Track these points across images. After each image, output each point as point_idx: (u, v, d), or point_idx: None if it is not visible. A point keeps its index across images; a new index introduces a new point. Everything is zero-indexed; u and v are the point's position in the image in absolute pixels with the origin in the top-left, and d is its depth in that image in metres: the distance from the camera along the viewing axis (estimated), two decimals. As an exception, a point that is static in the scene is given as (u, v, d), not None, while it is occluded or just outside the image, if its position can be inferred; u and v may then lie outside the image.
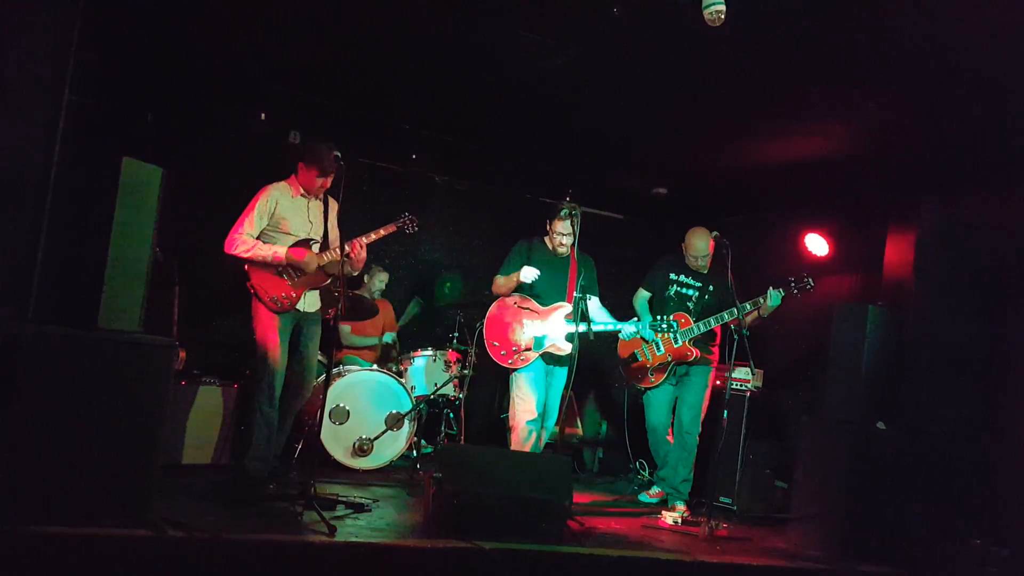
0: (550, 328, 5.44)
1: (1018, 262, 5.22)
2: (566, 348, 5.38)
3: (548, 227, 5.58)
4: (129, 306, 3.72)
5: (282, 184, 5.03)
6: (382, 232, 5.14)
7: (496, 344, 5.50)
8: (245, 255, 4.83)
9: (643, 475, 6.93)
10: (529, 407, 5.39)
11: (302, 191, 5.02)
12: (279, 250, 4.87)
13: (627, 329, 5.53)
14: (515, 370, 5.47)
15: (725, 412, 5.27)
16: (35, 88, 3.73)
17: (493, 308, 5.60)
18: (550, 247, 5.62)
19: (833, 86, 4.83)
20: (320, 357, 5.99)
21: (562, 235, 5.47)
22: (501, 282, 5.57)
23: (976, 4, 3.70)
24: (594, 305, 5.55)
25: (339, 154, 4.80)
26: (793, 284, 5.66)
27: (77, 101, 4.00)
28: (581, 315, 5.16)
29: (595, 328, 5.29)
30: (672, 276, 6.05)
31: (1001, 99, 4.59)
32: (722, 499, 6.08)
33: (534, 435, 5.39)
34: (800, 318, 6.96)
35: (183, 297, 5.18)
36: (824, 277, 6.93)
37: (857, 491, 4.89)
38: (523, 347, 5.45)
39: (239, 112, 6.48)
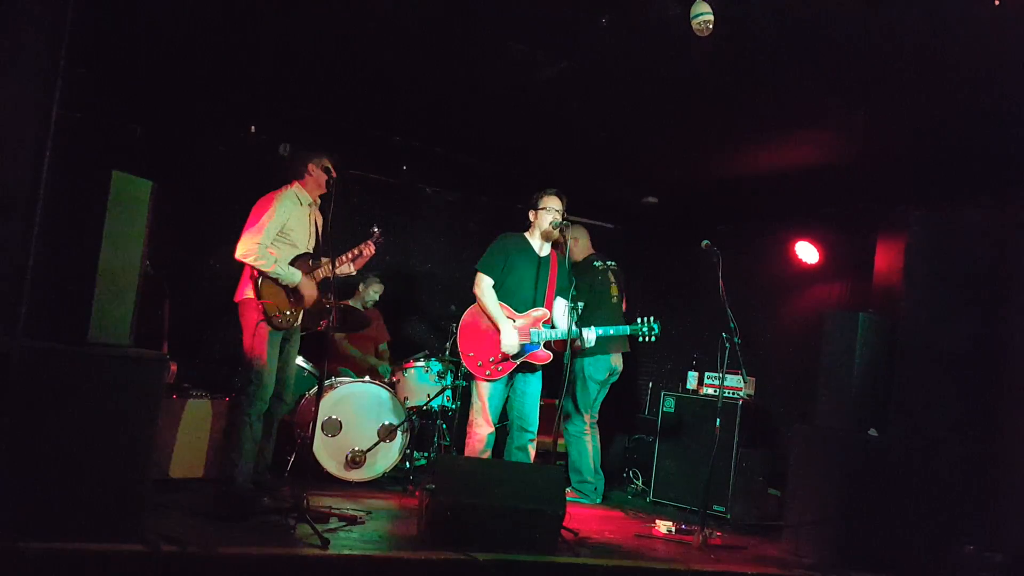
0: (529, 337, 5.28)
1: (1007, 267, 5.24)
2: (545, 358, 5.31)
3: (534, 215, 5.45)
4: (119, 320, 3.71)
5: (289, 191, 4.93)
6: (367, 252, 5.15)
7: (472, 355, 5.27)
8: (264, 269, 4.73)
9: (637, 484, 6.94)
10: (488, 419, 5.25)
11: (307, 198, 4.96)
12: (295, 275, 4.81)
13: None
14: (481, 380, 5.27)
15: (718, 420, 5.26)
16: (24, 102, 3.71)
17: (467, 315, 5.39)
18: (534, 243, 5.45)
19: (822, 95, 4.86)
20: (312, 369, 6.01)
21: (555, 211, 5.33)
22: (485, 288, 5.32)
23: (966, 14, 3.73)
24: (561, 308, 5.42)
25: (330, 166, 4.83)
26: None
27: (66, 115, 3.98)
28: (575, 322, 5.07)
29: (599, 333, 5.39)
30: None
31: (989, 107, 4.63)
32: (715, 507, 6.07)
33: (490, 448, 5.29)
34: (792, 326, 7.00)
35: (173, 310, 5.16)
36: (814, 285, 6.98)
37: (850, 498, 4.91)
38: (500, 358, 5.24)
39: (229, 125, 6.48)
